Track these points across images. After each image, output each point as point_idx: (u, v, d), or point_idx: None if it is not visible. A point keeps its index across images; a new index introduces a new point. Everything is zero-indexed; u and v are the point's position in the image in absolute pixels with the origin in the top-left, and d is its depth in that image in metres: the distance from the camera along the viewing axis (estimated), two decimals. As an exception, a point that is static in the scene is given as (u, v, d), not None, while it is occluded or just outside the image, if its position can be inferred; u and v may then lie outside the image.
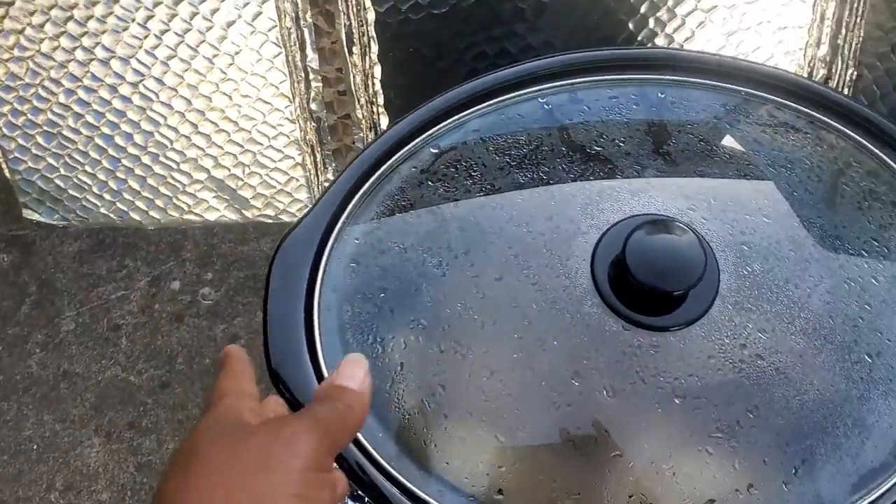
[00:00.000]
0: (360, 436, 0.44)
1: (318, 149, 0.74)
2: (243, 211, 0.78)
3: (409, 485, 0.43)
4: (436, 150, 0.54)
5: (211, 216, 0.79)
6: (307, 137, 0.73)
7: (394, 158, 0.53)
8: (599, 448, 0.44)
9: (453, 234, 0.49)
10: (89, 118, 0.74)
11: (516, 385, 0.45)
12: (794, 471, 0.44)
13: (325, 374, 0.46)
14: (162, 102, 0.73)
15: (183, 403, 1.11)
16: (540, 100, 0.56)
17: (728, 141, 0.54)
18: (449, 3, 0.66)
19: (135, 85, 0.72)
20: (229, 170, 0.76)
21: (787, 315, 0.47)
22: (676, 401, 0.45)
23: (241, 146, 0.74)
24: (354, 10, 0.65)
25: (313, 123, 0.72)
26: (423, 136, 0.54)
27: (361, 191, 0.52)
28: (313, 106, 0.71)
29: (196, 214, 0.80)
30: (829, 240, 0.50)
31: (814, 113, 0.56)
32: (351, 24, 0.66)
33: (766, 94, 0.57)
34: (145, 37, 0.69)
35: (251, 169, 0.75)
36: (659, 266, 0.45)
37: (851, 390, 0.46)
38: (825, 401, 0.46)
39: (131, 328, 1.15)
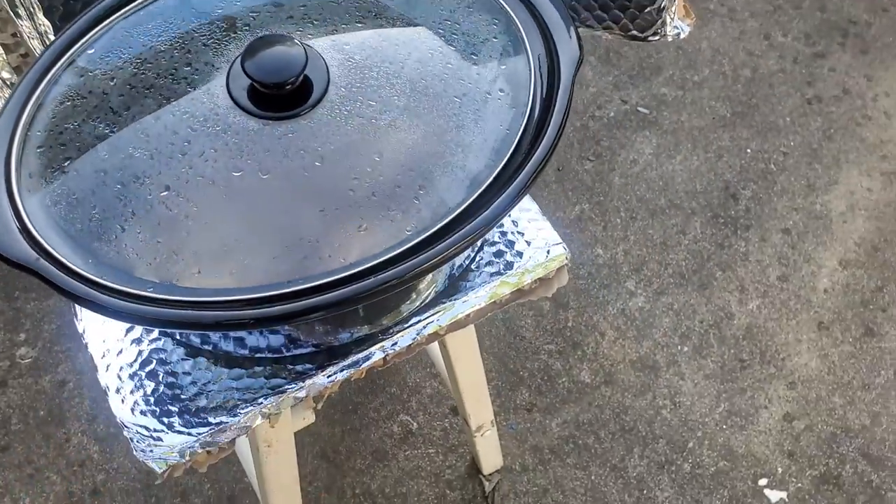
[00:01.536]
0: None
1: (22, 111, 0.81)
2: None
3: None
4: (91, 51, 0.64)
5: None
6: (10, 106, 0.80)
7: (58, 65, 0.63)
8: (269, 217, 0.56)
9: (115, 102, 0.60)
10: None
11: (193, 193, 0.56)
12: (419, 188, 0.57)
13: (41, 241, 0.55)
14: None
15: (29, 459, 1.11)
16: (172, -7, 0.67)
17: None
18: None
19: None
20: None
21: (388, 85, 0.61)
22: (318, 164, 0.57)
23: (-45, 136, 0.80)
24: (6, -25, 0.73)
25: (10, 90, 0.80)
26: (80, 42, 0.64)
27: (34, 97, 0.61)
28: (4, 74, 0.79)
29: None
30: (412, 28, 0.65)
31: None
32: (8, -11, 0.74)
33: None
34: None
35: (-30, 153, 0.82)
36: (270, 66, 0.57)
37: (449, 123, 0.60)
38: (432, 136, 0.60)
39: (-48, 410, 1.13)
